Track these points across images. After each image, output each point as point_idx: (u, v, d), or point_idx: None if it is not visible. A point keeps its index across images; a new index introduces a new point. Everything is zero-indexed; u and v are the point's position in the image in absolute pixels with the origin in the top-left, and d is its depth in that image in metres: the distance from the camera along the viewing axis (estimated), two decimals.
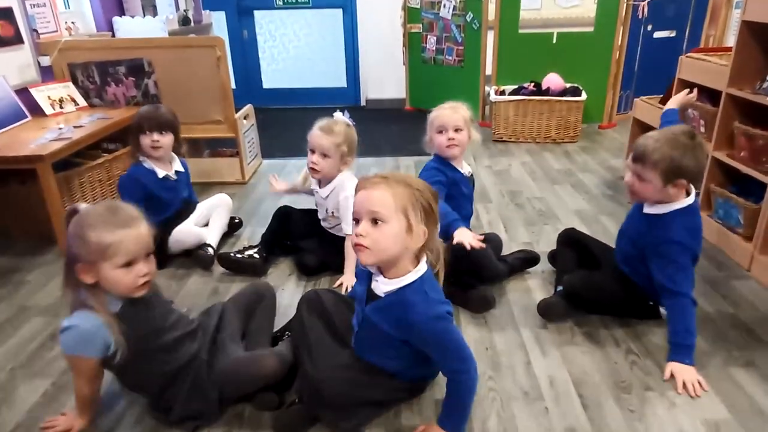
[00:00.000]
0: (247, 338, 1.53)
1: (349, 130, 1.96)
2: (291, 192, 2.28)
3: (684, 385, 1.45)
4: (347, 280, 1.95)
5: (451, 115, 1.91)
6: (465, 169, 2.02)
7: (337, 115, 1.98)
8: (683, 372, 1.48)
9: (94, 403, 1.33)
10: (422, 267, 1.23)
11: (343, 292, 1.94)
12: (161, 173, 2.17)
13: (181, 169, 2.27)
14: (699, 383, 1.46)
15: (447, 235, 1.73)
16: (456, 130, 1.90)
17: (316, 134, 1.92)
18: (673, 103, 2.04)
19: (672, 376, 1.49)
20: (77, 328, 1.18)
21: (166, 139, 2.15)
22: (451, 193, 1.95)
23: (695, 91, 2.10)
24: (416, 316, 1.19)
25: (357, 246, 1.17)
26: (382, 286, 1.24)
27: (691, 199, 1.57)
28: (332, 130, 1.91)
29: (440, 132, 1.92)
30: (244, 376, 1.36)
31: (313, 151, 1.94)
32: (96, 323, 1.17)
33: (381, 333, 1.26)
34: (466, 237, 1.72)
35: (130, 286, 1.20)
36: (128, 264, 1.17)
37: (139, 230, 1.19)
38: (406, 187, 1.16)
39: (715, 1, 3.87)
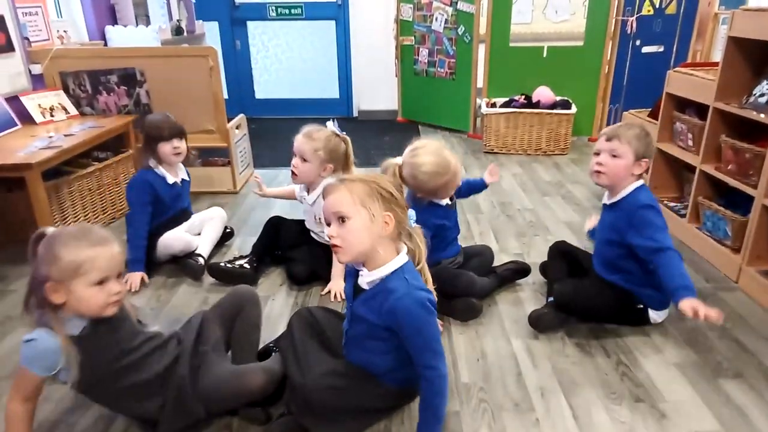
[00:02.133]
0: (233, 348, 1.51)
1: (332, 138, 1.98)
2: (279, 197, 2.32)
3: (705, 316, 1.44)
4: (334, 286, 1.98)
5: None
6: (443, 201, 1.90)
7: (329, 124, 2.02)
8: (695, 303, 1.47)
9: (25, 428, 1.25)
10: (402, 257, 1.27)
11: (331, 299, 1.93)
12: (171, 179, 2.21)
13: (186, 178, 2.32)
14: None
15: None
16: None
17: (298, 138, 1.99)
18: (591, 224, 2.12)
19: (690, 309, 1.46)
20: (36, 343, 1.16)
21: (184, 145, 2.21)
22: (438, 233, 1.87)
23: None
24: (397, 302, 1.22)
25: (333, 247, 1.24)
26: (365, 278, 1.27)
27: (641, 181, 1.73)
28: (312, 136, 1.97)
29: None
30: (229, 392, 1.33)
31: (296, 155, 1.99)
32: (54, 344, 1.16)
33: (368, 326, 1.29)
34: None
35: (102, 304, 1.19)
36: (101, 282, 1.17)
37: (112, 249, 1.20)
38: (361, 182, 1.24)
39: (702, 17, 3.94)
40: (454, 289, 1.83)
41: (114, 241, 1.22)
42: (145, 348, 1.30)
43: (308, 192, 2.08)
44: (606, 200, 1.80)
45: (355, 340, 1.36)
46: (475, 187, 2.08)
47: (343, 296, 1.92)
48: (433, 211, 1.84)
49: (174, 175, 2.24)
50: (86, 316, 1.20)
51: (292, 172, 2.01)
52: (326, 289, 2.00)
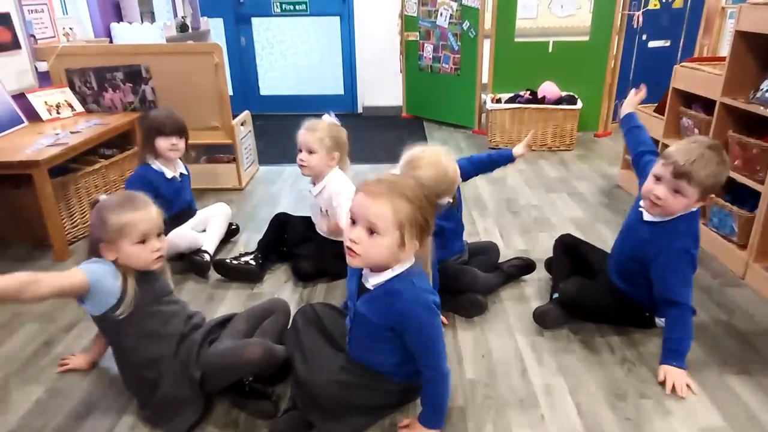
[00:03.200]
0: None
1: (334, 127, 2.02)
2: None
3: (673, 388, 1.47)
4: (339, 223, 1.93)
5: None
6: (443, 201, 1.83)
7: (325, 116, 2.05)
8: (674, 374, 1.49)
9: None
10: (409, 260, 1.25)
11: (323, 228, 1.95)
12: (169, 174, 2.23)
13: (185, 173, 2.34)
14: (688, 386, 1.47)
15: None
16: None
17: (301, 133, 2.01)
18: (629, 107, 1.97)
19: (664, 378, 1.50)
20: (99, 264, 1.34)
21: (182, 143, 2.22)
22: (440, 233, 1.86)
23: (643, 88, 2.01)
24: (402, 303, 1.22)
25: (348, 250, 1.20)
26: (371, 279, 1.27)
27: (692, 209, 1.56)
28: (315, 127, 2.00)
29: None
30: (227, 361, 1.37)
31: (301, 150, 2.01)
32: (112, 270, 1.33)
33: (371, 325, 1.29)
34: None
35: (147, 259, 1.36)
36: (143, 241, 1.34)
37: (150, 212, 1.37)
38: (407, 202, 1.16)
39: (709, 12, 3.91)
40: (457, 286, 1.84)
41: (151, 205, 1.38)
42: (172, 306, 1.45)
43: (314, 184, 2.09)
44: (645, 214, 1.61)
45: (358, 339, 1.36)
46: (495, 162, 2.03)
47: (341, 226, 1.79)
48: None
49: (172, 169, 2.25)
50: (138, 269, 1.36)
51: (301, 166, 2.02)
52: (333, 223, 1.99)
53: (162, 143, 2.17)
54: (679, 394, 1.45)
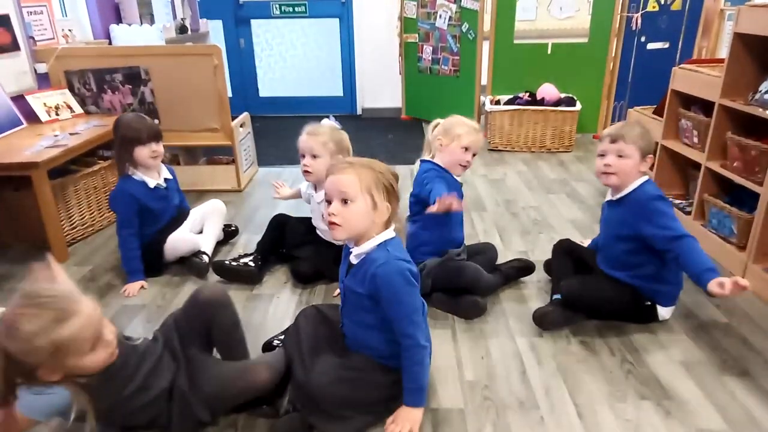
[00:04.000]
0: (219, 351, 1.47)
1: (336, 131, 2.01)
2: (294, 197, 2.31)
3: (732, 288, 1.43)
4: None
5: (481, 140, 1.94)
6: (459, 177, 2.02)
7: (325, 120, 2.04)
8: (722, 279, 1.46)
9: None
10: (389, 233, 1.35)
11: None
12: (152, 183, 2.11)
13: (170, 176, 2.22)
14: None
15: (430, 200, 1.72)
16: (473, 155, 1.92)
17: (303, 138, 1.99)
18: None
19: (720, 287, 1.46)
20: (50, 396, 1.15)
21: (161, 147, 2.11)
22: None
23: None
24: (376, 268, 1.29)
25: (330, 224, 1.30)
26: (355, 251, 1.35)
27: (645, 176, 1.74)
28: (317, 131, 1.98)
29: (465, 150, 1.88)
30: (236, 390, 1.34)
31: (303, 156, 1.99)
32: (66, 395, 1.14)
33: (356, 297, 1.35)
34: (447, 201, 1.66)
35: (106, 358, 1.15)
36: (94, 345, 1.11)
37: (84, 309, 1.09)
38: (369, 170, 1.30)
39: (708, 14, 3.91)
40: (459, 282, 1.84)
41: (78, 298, 1.10)
42: (144, 367, 1.28)
43: (315, 190, 2.08)
44: (610, 197, 1.81)
45: (348, 316, 1.42)
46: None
47: None
48: (455, 183, 1.92)
49: (154, 177, 2.13)
50: (96, 372, 1.15)
51: (306, 172, 2.00)
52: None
53: (141, 152, 2.04)
54: (743, 285, 1.41)
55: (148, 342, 1.37)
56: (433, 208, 1.65)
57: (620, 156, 1.71)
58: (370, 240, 1.32)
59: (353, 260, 1.36)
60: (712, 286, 1.48)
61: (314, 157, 1.97)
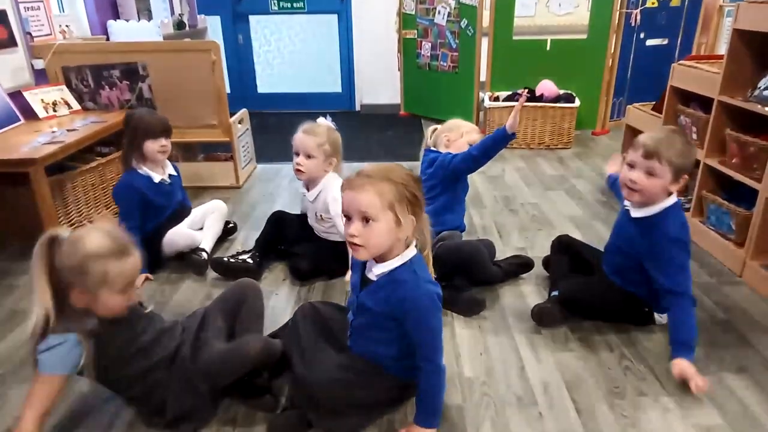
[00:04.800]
0: (237, 338, 1.51)
1: (332, 132, 2.01)
2: None
3: (693, 385, 1.42)
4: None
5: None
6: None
7: (320, 119, 2.03)
8: (689, 369, 1.45)
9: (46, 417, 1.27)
10: (411, 251, 1.28)
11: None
12: (157, 178, 2.14)
13: (174, 173, 2.26)
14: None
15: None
16: None
17: (299, 136, 1.98)
18: (614, 167, 1.99)
19: (679, 375, 1.46)
20: (62, 346, 1.20)
21: (170, 143, 2.15)
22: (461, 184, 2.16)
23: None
24: (405, 293, 1.24)
25: (351, 245, 1.23)
26: (375, 269, 1.29)
27: (674, 198, 1.60)
28: (314, 131, 1.97)
29: (470, 146, 2.08)
30: (231, 361, 1.36)
31: (297, 154, 1.98)
32: (75, 340, 1.21)
33: (373, 316, 1.30)
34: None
35: (123, 307, 1.26)
36: (125, 289, 1.23)
37: (136, 258, 1.25)
38: (390, 183, 1.21)
39: (707, 10, 3.91)
40: (459, 257, 1.86)
41: (135, 249, 1.25)
42: (151, 332, 1.34)
43: (308, 189, 2.07)
44: (632, 211, 1.65)
45: (360, 331, 1.37)
46: (495, 141, 2.02)
47: None
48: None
49: (160, 172, 2.16)
50: (106, 316, 1.24)
51: (298, 170, 1.99)
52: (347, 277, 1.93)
53: (151, 146, 2.08)
54: (700, 387, 1.41)
55: (161, 317, 1.44)
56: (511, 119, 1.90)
57: (650, 174, 1.54)
58: (393, 258, 1.26)
59: (371, 276, 1.30)
60: (675, 368, 1.47)
61: (308, 156, 1.96)
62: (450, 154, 2.06)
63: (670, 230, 1.55)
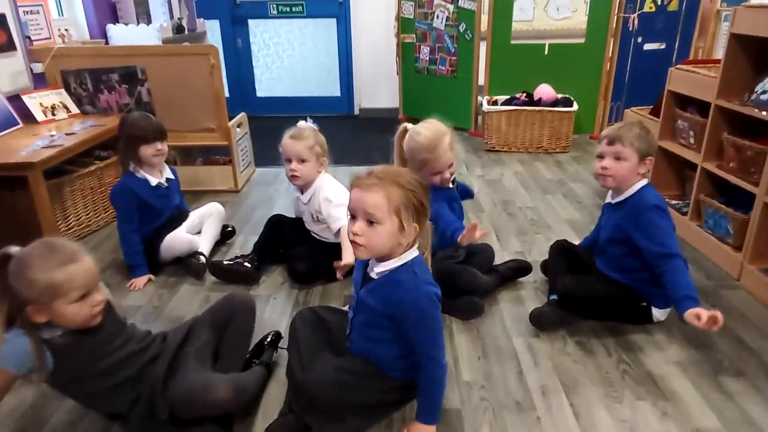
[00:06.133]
0: (221, 355, 1.47)
1: (317, 133, 2.03)
2: None
3: (707, 321, 1.46)
4: (346, 258, 1.90)
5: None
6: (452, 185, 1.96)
7: (301, 123, 2.05)
8: (703, 311, 1.48)
9: None
10: (413, 252, 1.30)
11: (339, 276, 1.91)
12: (154, 181, 2.14)
13: (172, 177, 2.25)
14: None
15: (453, 241, 1.73)
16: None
17: (288, 143, 1.98)
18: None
19: (695, 319, 1.48)
20: (12, 342, 1.17)
21: (166, 146, 2.14)
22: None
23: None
24: (405, 293, 1.25)
25: (353, 243, 1.24)
26: (376, 268, 1.30)
27: (646, 180, 1.73)
28: (302, 135, 1.99)
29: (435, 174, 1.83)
30: (195, 400, 1.29)
31: (289, 161, 1.99)
32: (26, 345, 1.17)
33: (373, 314, 1.31)
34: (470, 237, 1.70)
35: (87, 317, 1.20)
36: (82, 297, 1.18)
37: (85, 262, 1.19)
38: (399, 188, 1.22)
39: (704, 14, 3.93)
40: (455, 286, 1.83)
41: (85, 254, 1.20)
42: (126, 349, 1.29)
43: (302, 192, 2.08)
44: (610, 199, 1.80)
45: (360, 329, 1.38)
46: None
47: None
48: (447, 190, 1.88)
49: (157, 176, 2.15)
50: (72, 328, 1.20)
51: (293, 176, 2.00)
52: (342, 263, 1.90)
53: (146, 150, 2.08)
54: (718, 319, 1.44)
55: (143, 331, 1.39)
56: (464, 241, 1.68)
57: (617, 158, 1.69)
58: (394, 259, 1.28)
59: (373, 275, 1.31)
60: (689, 316, 1.50)
61: (301, 161, 1.98)
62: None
63: (649, 199, 1.69)
